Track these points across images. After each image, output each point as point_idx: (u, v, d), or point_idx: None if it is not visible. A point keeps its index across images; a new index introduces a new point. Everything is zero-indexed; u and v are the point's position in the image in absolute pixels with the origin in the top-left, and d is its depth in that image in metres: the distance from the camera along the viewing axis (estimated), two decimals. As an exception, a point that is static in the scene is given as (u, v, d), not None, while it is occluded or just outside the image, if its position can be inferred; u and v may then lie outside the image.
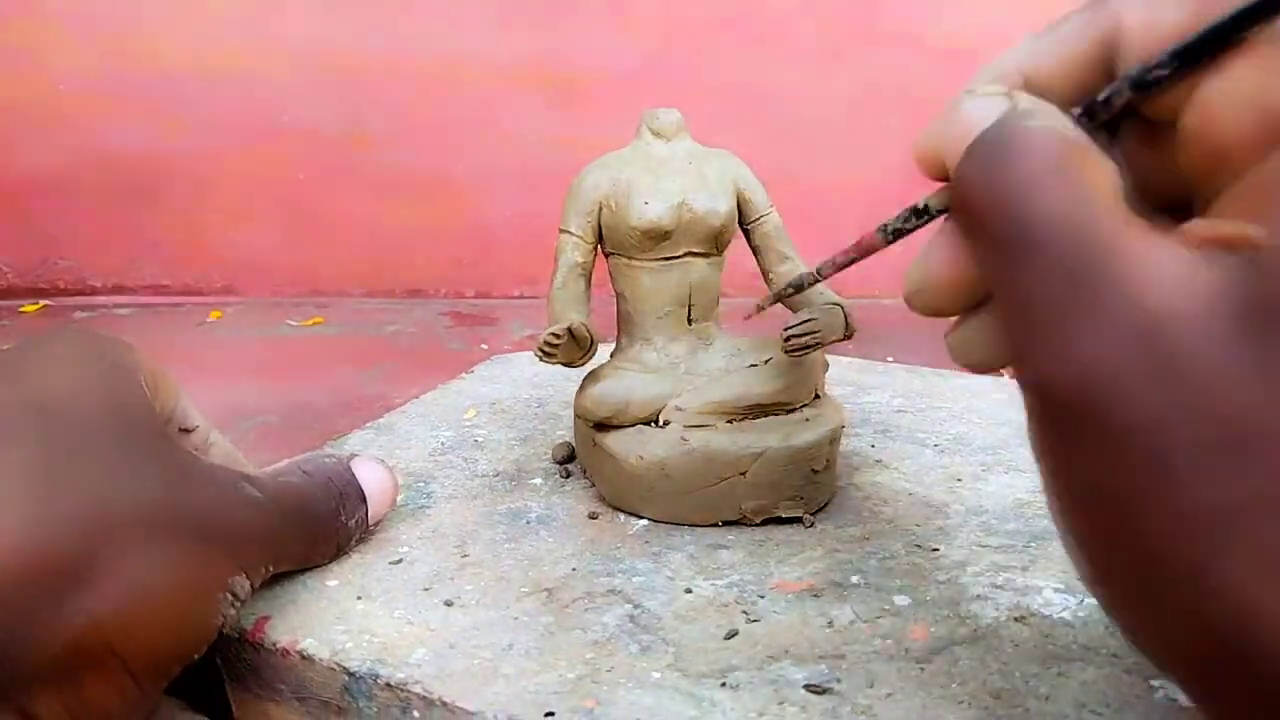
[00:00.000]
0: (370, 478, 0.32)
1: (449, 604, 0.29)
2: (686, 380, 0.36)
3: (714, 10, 1.29)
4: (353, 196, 1.38)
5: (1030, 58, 0.20)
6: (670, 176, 0.36)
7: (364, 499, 0.32)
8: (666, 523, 0.34)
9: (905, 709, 0.24)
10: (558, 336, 0.33)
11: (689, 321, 0.37)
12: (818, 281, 0.28)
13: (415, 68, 1.32)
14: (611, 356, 0.38)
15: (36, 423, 0.23)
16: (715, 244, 0.37)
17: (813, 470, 0.34)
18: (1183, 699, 0.24)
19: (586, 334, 0.34)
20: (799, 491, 0.34)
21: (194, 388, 0.32)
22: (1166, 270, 0.15)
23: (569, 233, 0.37)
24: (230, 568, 0.25)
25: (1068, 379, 0.15)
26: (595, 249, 0.37)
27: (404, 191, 1.37)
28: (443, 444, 0.42)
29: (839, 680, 0.25)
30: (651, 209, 0.35)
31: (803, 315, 0.34)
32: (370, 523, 0.32)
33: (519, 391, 0.49)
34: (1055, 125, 0.17)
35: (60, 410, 0.23)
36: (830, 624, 0.28)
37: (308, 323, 1.27)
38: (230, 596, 0.25)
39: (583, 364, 0.35)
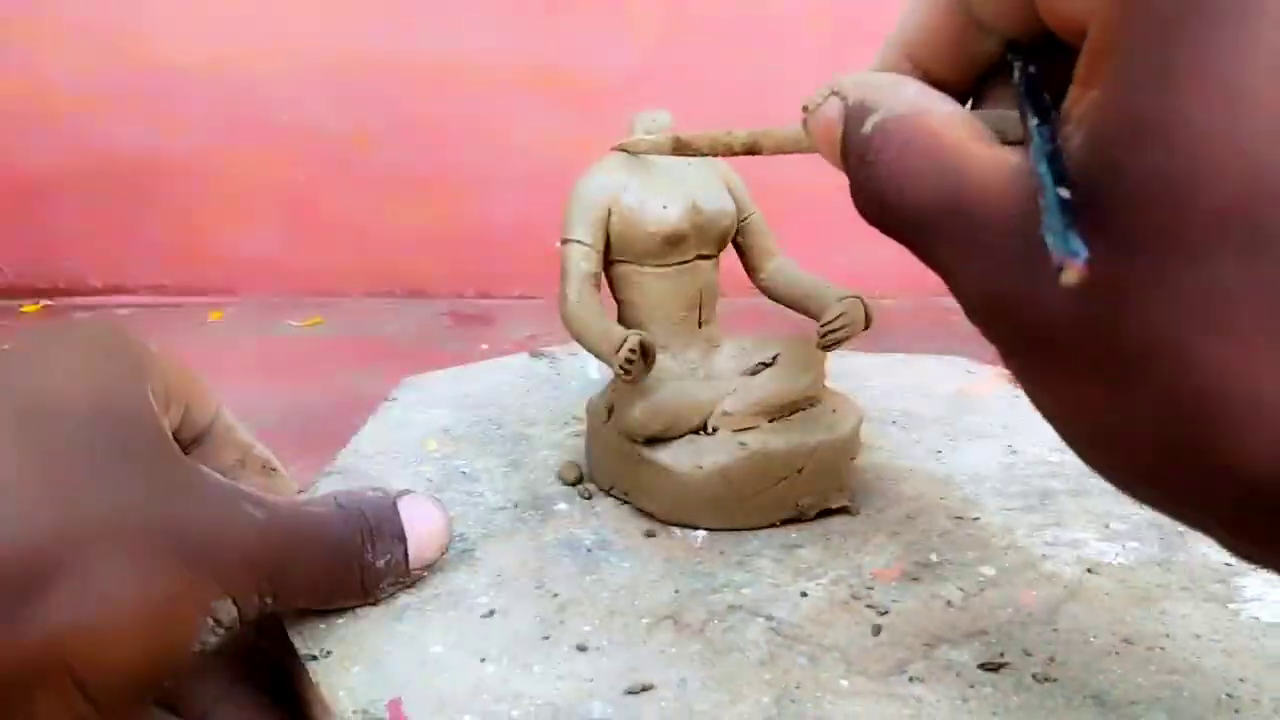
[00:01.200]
0: (416, 517, 0.29)
1: (582, 649, 0.27)
2: (717, 385, 0.35)
3: (714, 10, 1.29)
4: (353, 196, 1.37)
5: (908, 30, 0.21)
6: (675, 180, 0.36)
7: (403, 539, 0.29)
8: (726, 530, 0.34)
9: (1074, 668, 0.26)
10: (634, 352, 0.32)
11: (699, 325, 0.37)
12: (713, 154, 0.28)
13: (415, 68, 1.32)
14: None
15: (19, 421, 0.22)
16: (720, 245, 0.37)
17: (850, 459, 0.35)
18: (1263, 616, 0.28)
19: (652, 345, 0.33)
20: (842, 481, 0.35)
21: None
22: (1011, 181, 0.15)
23: (579, 242, 0.35)
24: (213, 590, 0.23)
25: (977, 311, 0.16)
26: (602, 257, 0.36)
27: (404, 191, 1.36)
28: (431, 480, 0.38)
29: (1001, 655, 0.27)
30: (671, 213, 0.35)
31: (834, 310, 0.35)
32: (414, 565, 0.29)
33: (464, 414, 0.45)
34: (890, 108, 0.18)
35: (49, 410, 0.22)
36: (949, 603, 0.29)
37: (308, 323, 1.26)
38: (212, 622, 0.23)
39: (644, 376, 0.33)
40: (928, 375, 0.51)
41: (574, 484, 0.38)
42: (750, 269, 0.39)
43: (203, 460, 0.27)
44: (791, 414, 0.35)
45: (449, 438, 0.43)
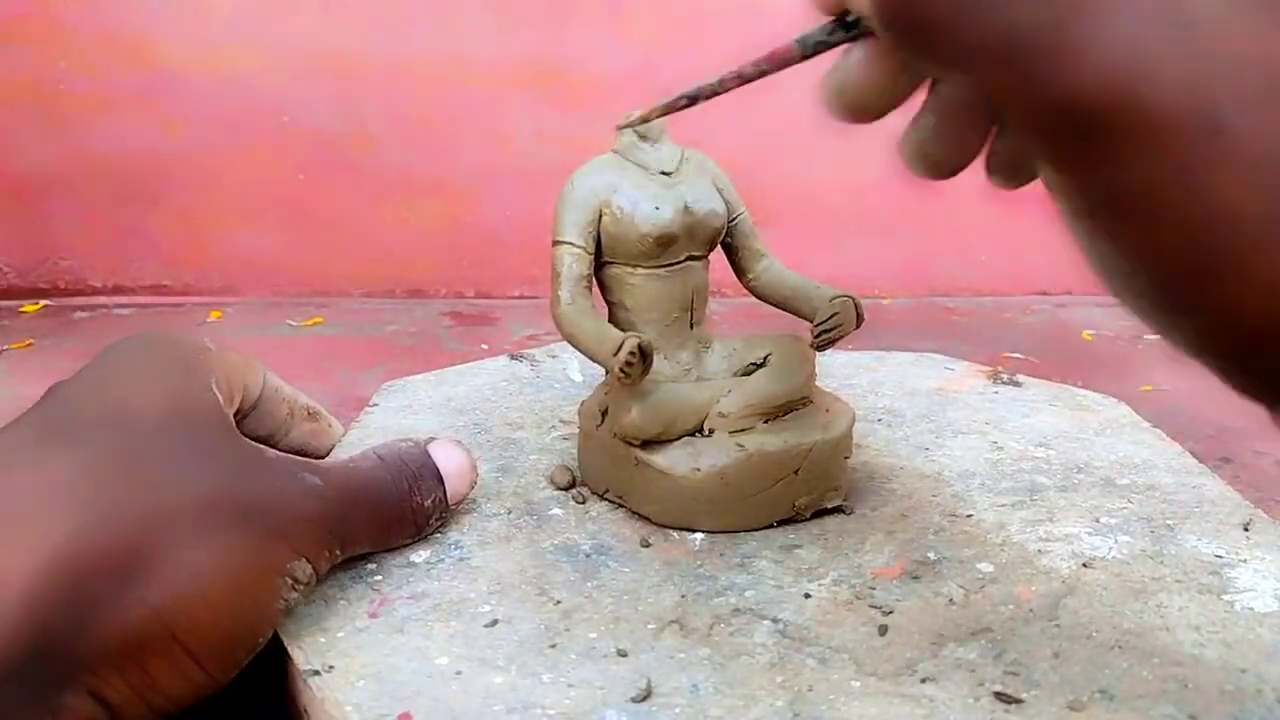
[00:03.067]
0: (447, 459, 0.32)
1: (590, 656, 0.27)
2: (712, 386, 0.35)
3: (714, 10, 1.29)
4: (353, 196, 1.37)
5: None
6: (666, 181, 0.35)
7: (441, 480, 0.32)
8: (722, 532, 0.34)
9: (1080, 663, 0.26)
10: (634, 354, 0.31)
11: (690, 326, 0.37)
12: (717, 94, 0.26)
13: (415, 68, 1.32)
14: (609, 372, 0.36)
15: (107, 428, 0.25)
16: (711, 246, 0.37)
17: (844, 459, 0.35)
18: (1257, 607, 0.29)
19: (651, 347, 0.32)
20: (837, 481, 0.35)
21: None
22: None
23: (570, 244, 0.35)
24: (288, 553, 0.26)
25: (1096, 85, 0.16)
26: (593, 259, 0.35)
27: (404, 191, 1.36)
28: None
29: (1005, 651, 0.27)
30: (663, 214, 0.34)
31: (827, 311, 0.35)
32: (451, 503, 0.33)
33: (447, 420, 0.44)
34: None
35: (129, 415, 0.26)
36: (951, 601, 0.30)
37: (308, 323, 1.26)
38: (290, 581, 0.26)
39: (642, 379, 0.33)
40: (906, 373, 0.51)
41: (566, 488, 0.37)
42: (739, 270, 0.39)
43: (259, 419, 0.33)
44: (786, 414, 0.35)
45: None
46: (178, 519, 0.24)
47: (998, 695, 0.25)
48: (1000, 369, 0.51)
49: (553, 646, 0.27)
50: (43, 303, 1.42)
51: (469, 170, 1.38)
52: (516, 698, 0.25)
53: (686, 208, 0.35)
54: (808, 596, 0.30)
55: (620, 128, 0.34)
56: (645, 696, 0.25)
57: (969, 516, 0.35)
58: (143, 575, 0.23)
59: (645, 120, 0.30)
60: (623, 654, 0.27)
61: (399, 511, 0.31)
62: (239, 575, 0.25)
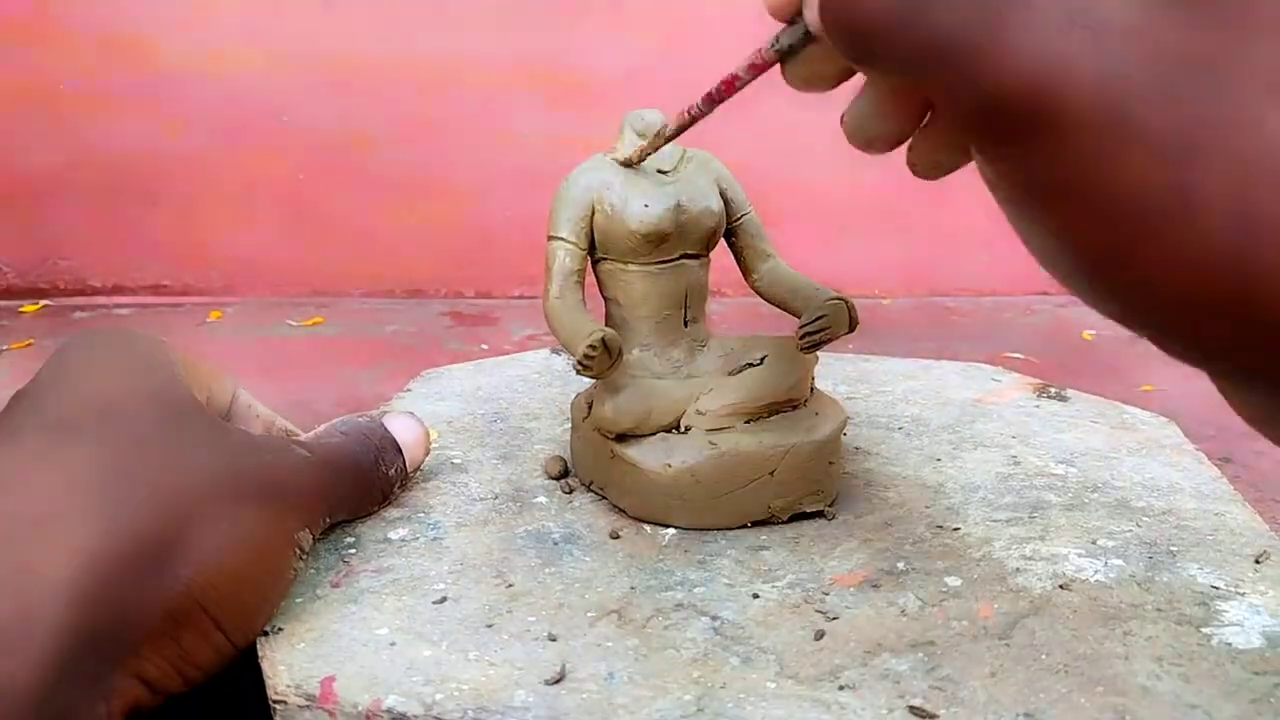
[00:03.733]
0: (402, 430, 0.35)
1: (521, 639, 0.27)
2: (695, 384, 0.35)
3: (714, 10, 1.29)
4: (353, 196, 1.38)
5: None
6: (661, 179, 0.35)
7: (399, 450, 0.34)
8: (695, 529, 0.34)
9: (1015, 684, 0.25)
10: (594, 348, 0.32)
11: (684, 324, 0.37)
12: (713, 108, 0.28)
13: (415, 68, 1.32)
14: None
15: (97, 424, 0.25)
16: (708, 245, 0.37)
17: (829, 463, 0.35)
18: (1236, 643, 0.27)
19: (617, 343, 0.33)
20: (819, 485, 0.34)
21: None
22: None
23: (561, 239, 0.35)
24: (297, 523, 0.28)
25: (1017, 84, 0.17)
26: (587, 255, 0.36)
27: (404, 191, 1.37)
28: (422, 470, 0.39)
29: (940, 666, 0.26)
30: (652, 211, 0.34)
31: (814, 313, 0.34)
32: (410, 470, 0.35)
33: (470, 407, 0.46)
34: None
35: (115, 410, 0.26)
36: (903, 612, 0.29)
37: (308, 323, 1.27)
38: (298, 550, 0.28)
39: (610, 374, 0.34)
40: (947, 382, 0.49)
41: (558, 478, 0.38)
42: (744, 270, 0.39)
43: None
44: (770, 415, 0.35)
45: (450, 429, 0.43)
46: (200, 500, 0.25)
47: (912, 709, 0.24)
48: (1050, 383, 0.49)
49: (489, 626, 0.28)
50: (43, 303, 1.42)
51: (469, 170, 1.38)
52: (438, 671, 0.26)
53: (679, 206, 0.35)
54: (755, 597, 0.30)
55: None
56: (558, 680, 0.25)
57: (955, 530, 0.34)
58: (175, 556, 0.24)
59: (644, 156, 0.34)
60: (552, 639, 0.27)
61: (370, 481, 0.33)
62: (259, 547, 0.27)
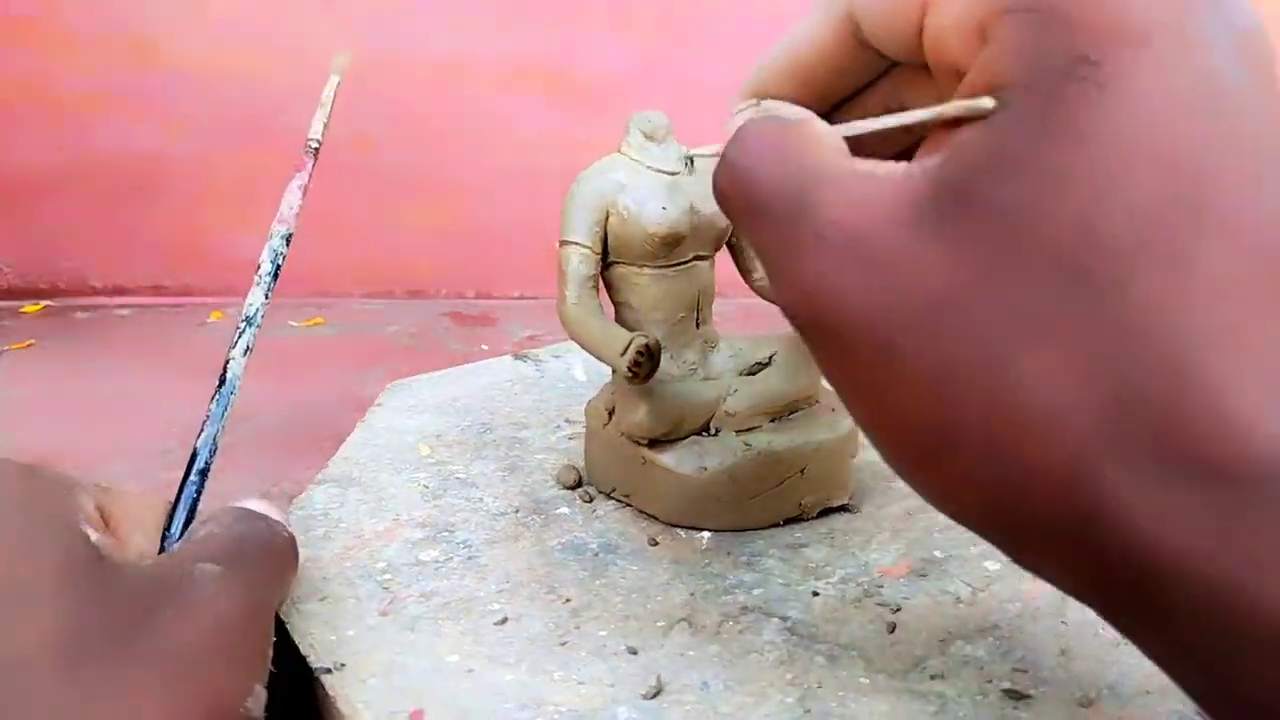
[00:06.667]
0: (263, 507, 0.28)
1: (600, 654, 0.27)
2: (719, 385, 0.36)
3: (714, 10, 1.29)
4: (353, 196, 1.37)
5: (799, 48, 0.22)
6: (672, 181, 0.35)
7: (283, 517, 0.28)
8: (729, 531, 0.34)
9: (1087, 661, 0.27)
10: (642, 354, 0.32)
11: (696, 325, 0.37)
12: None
13: (416, 68, 1.31)
14: (617, 372, 0.36)
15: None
16: (717, 245, 0.37)
17: (851, 457, 0.35)
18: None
19: (659, 346, 0.33)
20: (843, 480, 0.35)
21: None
22: (870, 190, 0.17)
23: (576, 244, 0.35)
24: (245, 689, 0.23)
25: (799, 304, 0.18)
26: (600, 259, 0.36)
27: (404, 191, 1.36)
28: (429, 488, 0.38)
29: (1013, 649, 0.27)
30: (670, 214, 0.35)
31: None
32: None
33: (452, 420, 0.45)
34: (778, 114, 0.21)
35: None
36: (959, 599, 0.30)
37: (308, 323, 1.26)
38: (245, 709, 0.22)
39: (649, 379, 0.33)
40: None
41: (573, 488, 0.37)
42: (743, 269, 0.39)
43: None
44: (792, 413, 0.35)
45: (441, 443, 0.42)
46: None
47: (1007, 692, 0.25)
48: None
49: (563, 644, 0.28)
50: (43, 303, 1.41)
51: (469, 170, 1.38)
52: (528, 694, 0.25)
53: (693, 207, 0.35)
54: (816, 594, 0.30)
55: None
56: (656, 693, 0.25)
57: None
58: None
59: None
60: (633, 651, 0.27)
61: (282, 545, 0.27)
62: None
